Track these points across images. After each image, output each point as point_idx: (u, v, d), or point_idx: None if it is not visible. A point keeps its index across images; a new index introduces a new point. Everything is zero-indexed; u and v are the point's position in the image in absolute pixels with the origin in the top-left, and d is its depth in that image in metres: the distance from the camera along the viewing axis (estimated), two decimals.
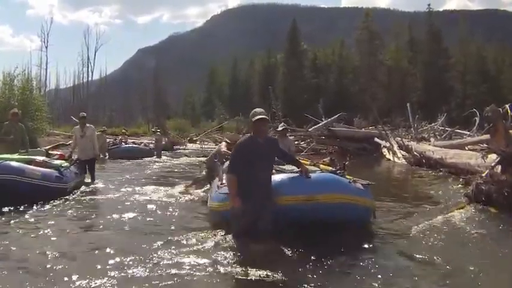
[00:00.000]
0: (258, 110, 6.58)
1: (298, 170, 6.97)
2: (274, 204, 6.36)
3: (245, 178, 6.21)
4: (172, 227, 7.74)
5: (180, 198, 10.80)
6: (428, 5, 72.29)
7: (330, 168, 8.26)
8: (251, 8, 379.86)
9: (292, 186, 6.63)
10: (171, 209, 9.29)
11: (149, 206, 9.53)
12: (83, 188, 12.19)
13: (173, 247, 6.26)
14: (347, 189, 6.74)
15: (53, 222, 8.11)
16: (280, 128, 11.78)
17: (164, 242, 6.54)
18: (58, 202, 9.82)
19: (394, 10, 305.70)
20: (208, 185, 10.45)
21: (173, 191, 11.92)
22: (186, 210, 9.42)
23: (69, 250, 6.36)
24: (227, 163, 8.75)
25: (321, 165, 8.42)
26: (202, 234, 6.93)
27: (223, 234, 6.71)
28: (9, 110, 15.75)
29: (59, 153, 13.99)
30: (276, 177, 6.75)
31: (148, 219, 8.41)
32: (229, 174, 6.46)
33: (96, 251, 6.27)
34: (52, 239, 6.94)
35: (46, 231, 7.40)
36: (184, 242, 6.60)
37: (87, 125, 13.76)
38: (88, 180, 13.39)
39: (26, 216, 8.50)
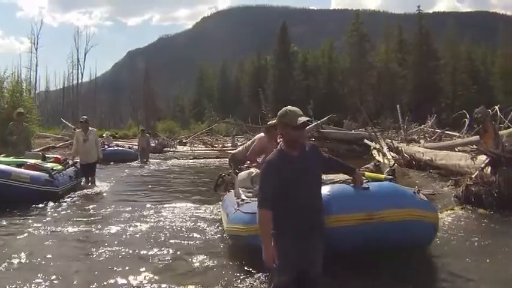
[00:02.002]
0: (292, 108, 4.42)
1: (343, 179, 5.59)
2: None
3: (282, 213, 4.20)
4: (172, 248, 6.72)
5: (182, 209, 9.74)
6: (418, 6, 72.60)
7: (383, 175, 6.62)
8: (241, 10, 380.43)
9: (346, 200, 5.05)
10: (170, 222, 8.48)
11: (145, 215, 9.09)
12: (78, 191, 12.06)
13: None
14: (414, 202, 5.32)
15: (37, 225, 8.13)
16: None
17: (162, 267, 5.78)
18: (47, 205, 9.78)
19: (384, 12, 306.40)
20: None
21: (170, 200, 11.18)
22: (191, 226, 8.15)
23: (52, 253, 6.32)
24: (245, 173, 7.62)
25: (367, 173, 6.50)
26: (220, 268, 5.72)
27: (252, 270, 5.42)
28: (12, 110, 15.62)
29: (54, 156, 13.89)
30: (323, 190, 4.71)
31: (142, 230, 7.88)
32: (260, 209, 4.22)
33: (75, 258, 6.14)
34: (32, 242, 6.91)
35: (30, 233, 7.47)
36: (191, 273, 5.61)
37: (90, 128, 13.71)
38: (85, 183, 13.34)
39: (10, 219, 8.49)
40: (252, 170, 7.61)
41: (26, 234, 7.39)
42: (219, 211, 8.20)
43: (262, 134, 8.55)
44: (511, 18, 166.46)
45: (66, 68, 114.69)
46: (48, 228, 7.92)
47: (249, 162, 8.45)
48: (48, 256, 6.17)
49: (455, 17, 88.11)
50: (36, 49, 77.57)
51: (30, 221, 8.42)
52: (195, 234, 7.56)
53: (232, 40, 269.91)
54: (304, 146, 4.48)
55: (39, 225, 8.13)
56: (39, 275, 5.42)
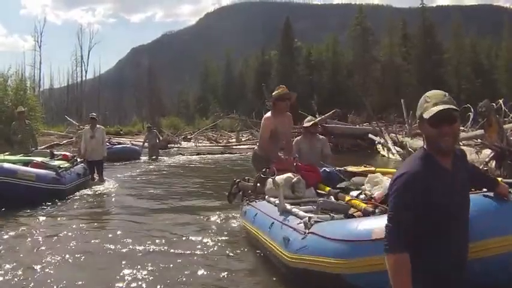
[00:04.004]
0: (430, 93, 2.86)
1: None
2: None
3: (419, 260, 2.71)
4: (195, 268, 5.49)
5: (198, 215, 8.69)
6: (422, 0, 72.30)
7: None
8: (245, 6, 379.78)
9: (499, 219, 3.44)
10: (184, 229, 7.56)
11: (153, 216, 8.76)
12: (85, 189, 11.97)
13: None
14: None
15: (42, 223, 8.13)
16: (307, 124, 8.02)
17: None
18: (53, 203, 9.75)
19: (387, 6, 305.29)
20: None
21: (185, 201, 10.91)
22: (214, 239, 6.76)
23: (55, 254, 6.16)
24: (281, 178, 5.93)
25: None
26: None
27: None
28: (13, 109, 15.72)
29: (62, 153, 13.89)
30: None
31: (154, 237, 6.96)
32: (393, 252, 2.67)
33: (80, 258, 5.96)
34: (36, 241, 6.84)
35: (34, 232, 7.41)
36: None
37: (98, 126, 13.73)
38: (94, 180, 13.34)
39: (16, 217, 8.46)
40: (290, 174, 5.98)
41: (30, 233, 7.34)
42: (246, 226, 6.50)
43: (268, 114, 7.31)
44: None
45: (70, 65, 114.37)
46: (53, 226, 7.91)
47: (276, 165, 6.52)
48: (51, 256, 6.05)
49: (459, 10, 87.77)
50: (39, 47, 77.99)
51: (35, 219, 8.39)
52: (221, 249, 6.33)
53: (236, 36, 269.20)
54: (455, 152, 2.96)
55: (44, 223, 8.11)
56: (41, 275, 5.37)
